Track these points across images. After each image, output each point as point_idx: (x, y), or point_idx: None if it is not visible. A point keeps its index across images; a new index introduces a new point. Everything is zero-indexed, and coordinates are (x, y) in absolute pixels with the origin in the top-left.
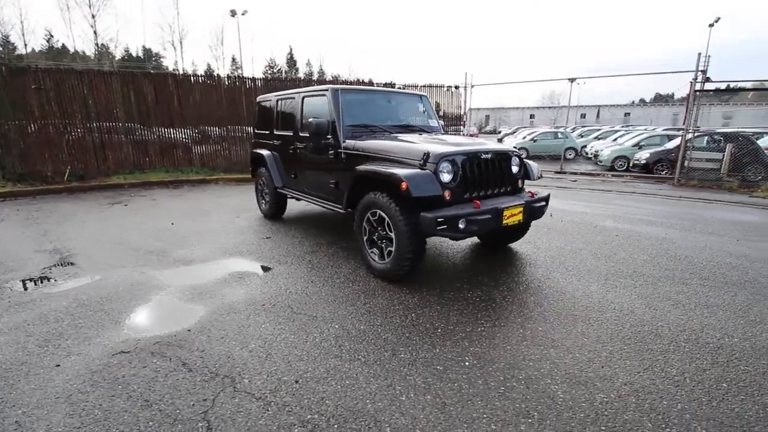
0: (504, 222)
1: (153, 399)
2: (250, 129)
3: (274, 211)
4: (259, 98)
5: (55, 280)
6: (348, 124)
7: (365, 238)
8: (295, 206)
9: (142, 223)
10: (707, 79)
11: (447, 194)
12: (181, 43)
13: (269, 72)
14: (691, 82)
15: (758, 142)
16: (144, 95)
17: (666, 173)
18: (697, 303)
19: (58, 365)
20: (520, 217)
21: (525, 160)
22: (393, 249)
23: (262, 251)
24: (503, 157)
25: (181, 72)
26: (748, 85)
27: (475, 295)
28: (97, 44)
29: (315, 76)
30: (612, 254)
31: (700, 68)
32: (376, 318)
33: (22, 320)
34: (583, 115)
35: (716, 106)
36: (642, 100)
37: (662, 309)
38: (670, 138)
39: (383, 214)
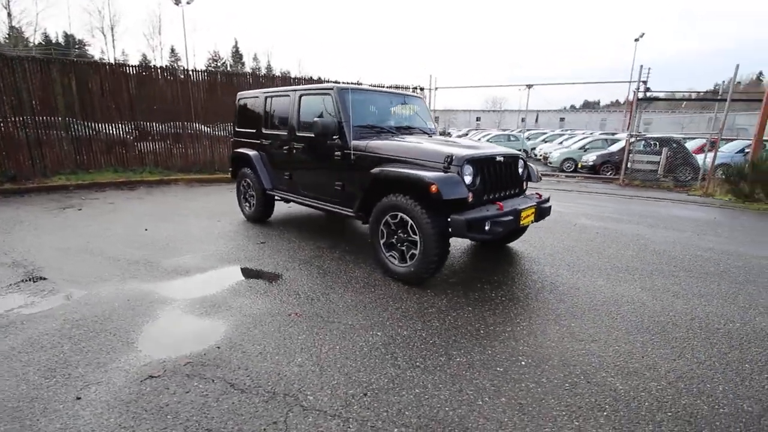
0: (521, 223)
1: (216, 427)
2: (205, 127)
3: (261, 215)
4: (240, 95)
5: (31, 299)
6: (354, 125)
7: (382, 241)
8: (280, 209)
9: (108, 229)
10: (647, 89)
11: (470, 196)
12: (112, 29)
13: (212, 65)
14: (634, 92)
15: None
16: (88, 86)
17: (611, 174)
18: (693, 293)
19: (79, 398)
20: (533, 217)
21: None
22: (418, 251)
23: (262, 257)
24: (513, 159)
25: (111, 61)
26: (678, 95)
27: (499, 295)
28: (11, 27)
29: (263, 72)
30: (601, 250)
31: (642, 79)
32: (415, 322)
33: (7, 347)
34: (522, 119)
35: (700, 113)
36: (572, 106)
37: (667, 300)
38: (611, 142)
39: (405, 217)
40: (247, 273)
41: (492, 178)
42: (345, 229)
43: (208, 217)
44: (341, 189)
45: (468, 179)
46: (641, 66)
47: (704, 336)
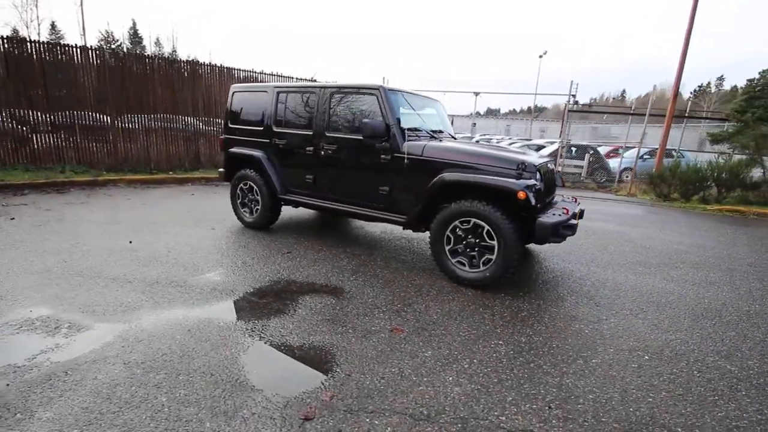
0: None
1: None
2: (139, 119)
3: (266, 221)
4: (236, 87)
5: (52, 341)
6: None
7: (448, 248)
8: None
9: (78, 244)
10: (576, 102)
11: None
12: None
13: (106, 46)
14: (565, 104)
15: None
16: None
17: None
18: (704, 282)
19: None
20: (579, 219)
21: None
22: (495, 256)
23: (303, 269)
24: (552, 166)
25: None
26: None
27: (563, 294)
28: None
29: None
30: (604, 247)
31: (572, 93)
32: (522, 327)
33: (78, 408)
34: (473, 124)
35: (556, 122)
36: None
37: (691, 290)
38: (538, 147)
39: (480, 222)
40: (303, 288)
41: (547, 184)
42: (353, 231)
43: (194, 224)
44: (387, 194)
45: (538, 185)
46: (572, 81)
47: (736, 321)
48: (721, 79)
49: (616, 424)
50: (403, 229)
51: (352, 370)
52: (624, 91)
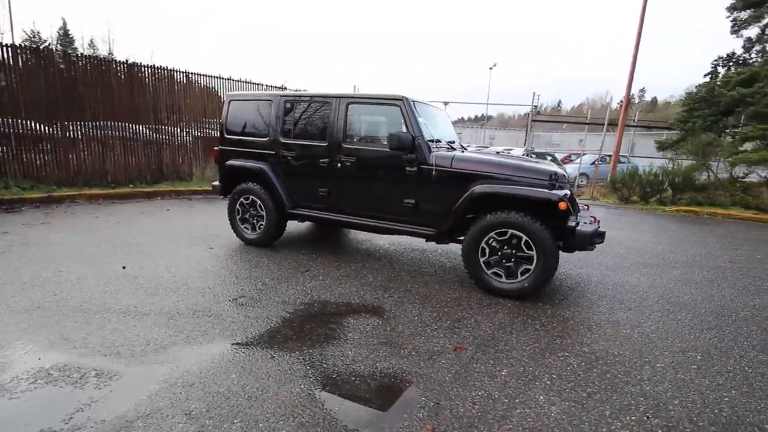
0: None
1: None
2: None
3: (271, 238)
4: (232, 96)
5: (82, 394)
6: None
7: (483, 259)
8: None
9: (61, 272)
10: (538, 113)
11: None
12: None
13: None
14: (528, 114)
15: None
16: None
17: None
18: (704, 280)
19: None
20: None
21: None
22: (533, 266)
23: (330, 288)
24: None
25: None
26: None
27: (604, 296)
28: None
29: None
30: (601, 250)
31: (534, 104)
32: (579, 338)
33: None
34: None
35: (518, 131)
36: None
37: (699, 289)
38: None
39: (517, 233)
40: (341, 309)
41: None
42: (359, 244)
43: (187, 244)
44: (413, 207)
45: (569, 195)
46: (533, 92)
47: (759, 312)
48: (642, 90)
49: (713, 427)
50: (427, 241)
51: (438, 397)
52: (560, 101)
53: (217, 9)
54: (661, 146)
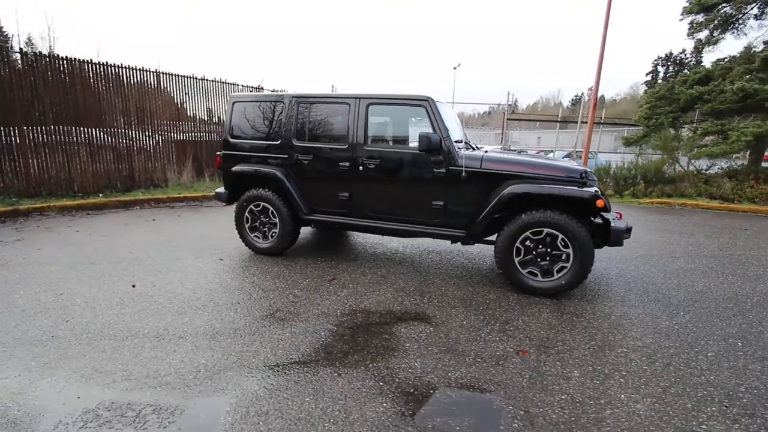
0: None
1: None
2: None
3: (286, 245)
4: (237, 97)
5: None
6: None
7: (518, 259)
8: None
9: (60, 296)
10: (513, 111)
11: None
12: None
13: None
14: (504, 113)
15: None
16: None
17: None
18: (708, 270)
19: None
20: None
21: None
22: (570, 264)
23: (371, 297)
24: None
25: None
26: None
27: (629, 294)
28: None
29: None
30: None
31: (509, 103)
32: (628, 332)
33: None
34: None
35: (477, 129)
36: None
37: (709, 279)
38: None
39: (554, 232)
40: (386, 318)
41: None
42: (373, 248)
43: (193, 256)
44: (442, 209)
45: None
46: (509, 92)
47: None
48: (590, 90)
49: None
50: (452, 243)
51: (525, 404)
52: (516, 100)
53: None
54: (627, 142)
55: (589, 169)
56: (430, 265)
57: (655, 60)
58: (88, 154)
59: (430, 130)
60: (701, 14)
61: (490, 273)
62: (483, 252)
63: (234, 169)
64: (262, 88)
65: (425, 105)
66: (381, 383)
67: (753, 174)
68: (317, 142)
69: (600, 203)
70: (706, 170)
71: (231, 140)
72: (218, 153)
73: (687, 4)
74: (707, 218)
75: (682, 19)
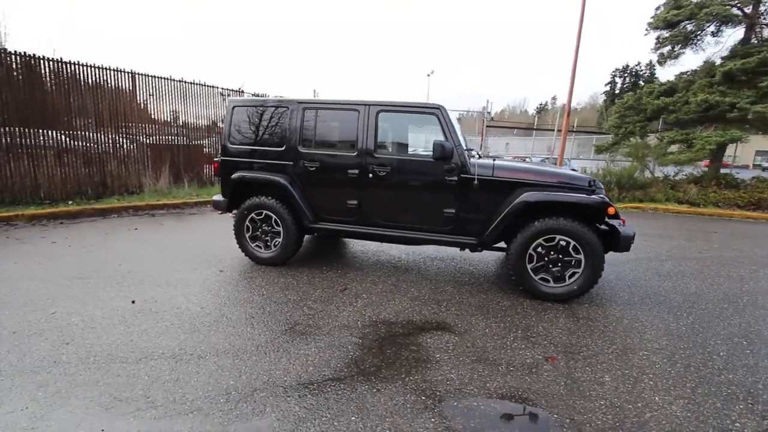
0: None
1: None
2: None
3: (290, 254)
4: (235, 102)
5: None
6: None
7: (530, 266)
8: None
9: (52, 316)
10: (492, 118)
11: None
12: None
13: None
14: (483, 119)
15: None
16: None
17: None
18: (699, 273)
19: None
20: None
21: None
22: (582, 270)
23: (388, 307)
24: None
25: None
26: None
27: (636, 298)
28: None
29: None
30: None
31: (488, 110)
32: (646, 335)
33: None
34: None
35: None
36: None
37: (705, 283)
38: None
39: (566, 239)
40: (408, 329)
41: None
42: (367, 254)
43: (190, 268)
44: (453, 216)
45: None
46: (487, 100)
47: None
48: (554, 98)
49: None
50: (461, 250)
51: (568, 412)
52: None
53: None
54: (599, 149)
55: (595, 178)
56: (438, 272)
57: (613, 71)
58: (56, 157)
59: (442, 138)
60: (666, 30)
61: (498, 279)
62: (485, 258)
63: (234, 176)
64: (242, 92)
65: (437, 113)
66: (423, 397)
67: (715, 180)
68: (324, 149)
69: (611, 210)
70: (673, 176)
71: (230, 146)
72: (215, 159)
73: (652, 21)
74: (681, 222)
75: (647, 34)
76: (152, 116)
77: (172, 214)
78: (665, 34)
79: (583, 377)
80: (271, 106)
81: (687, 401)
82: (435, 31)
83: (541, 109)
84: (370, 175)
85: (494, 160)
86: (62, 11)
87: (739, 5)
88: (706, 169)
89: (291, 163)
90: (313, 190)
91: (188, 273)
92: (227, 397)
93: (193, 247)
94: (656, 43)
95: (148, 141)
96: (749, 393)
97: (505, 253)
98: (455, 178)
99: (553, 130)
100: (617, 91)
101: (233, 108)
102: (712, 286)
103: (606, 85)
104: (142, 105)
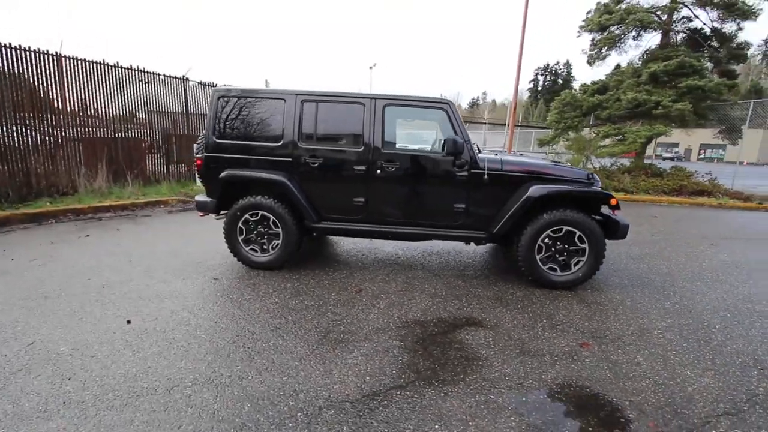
0: None
1: None
2: None
3: (289, 257)
4: (222, 92)
5: None
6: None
7: (539, 256)
8: None
9: (30, 344)
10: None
11: None
12: None
13: None
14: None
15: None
16: None
17: None
18: (671, 256)
19: None
20: None
21: None
22: (586, 258)
23: (412, 306)
24: None
25: None
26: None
27: (627, 281)
28: None
29: None
30: None
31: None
32: (665, 318)
33: None
34: None
35: None
36: None
37: (677, 262)
38: None
39: (572, 229)
40: (441, 327)
41: None
42: (365, 252)
43: (180, 277)
44: (463, 211)
45: None
46: (458, 92)
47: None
48: (485, 94)
49: None
50: (467, 243)
51: (626, 395)
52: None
53: None
54: (542, 143)
55: (592, 172)
56: (441, 267)
57: (536, 70)
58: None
59: (452, 133)
60: (599, 33)
61: (500, 270)
62: (477, 251)
63: (223, 174)
64: (187, 79)
65: (446, 108)
66: (492, 397)
67: (642, 169)
68: (327, 144)
69: (613, 202)
70: (609, 167)
71: (217, 141)
72: (197, 156)
73: (584, 24)
74: (624, 208)
75: (579, 36)
76: (84, 105)
77: (123, 217)
78: (598, 36)
79: (621, 359)
80: (264, 98)
81: (714, 372)
82: (373, 28)
83: (474, 104)
84: (378, 171)
85: (497, 154)
86: (62, 11)
87: (658, 13)
88: (633, 160)
89: (289, 159)
90: (315, 187)
91: (178, 284)
92: (295, 420)
93: (167, 253)
94: (591, 45)
95: (77, 134)
96: (756, 360)
97: (495, 245)
98: (466, 173)
99: (485, 124)
100: (539, 88)
101: (218, 99)
102: (678, 266)
103: (530, 82)
104: (68, 93)
